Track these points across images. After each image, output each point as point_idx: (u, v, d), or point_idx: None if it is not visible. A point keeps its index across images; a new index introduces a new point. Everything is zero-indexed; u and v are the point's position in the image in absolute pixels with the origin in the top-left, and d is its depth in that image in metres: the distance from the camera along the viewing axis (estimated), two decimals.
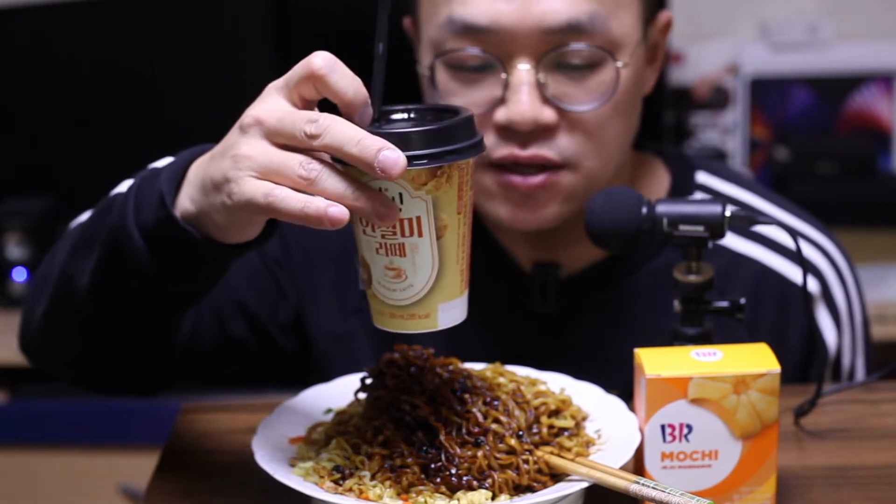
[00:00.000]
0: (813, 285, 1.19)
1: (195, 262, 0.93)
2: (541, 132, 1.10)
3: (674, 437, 0.91)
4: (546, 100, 1.09)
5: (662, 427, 0.91)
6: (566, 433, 0.96)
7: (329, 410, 1.02)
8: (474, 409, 0.93)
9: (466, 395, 0.94)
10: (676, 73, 2.61)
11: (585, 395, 1.01)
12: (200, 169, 0.90)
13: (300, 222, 0.83)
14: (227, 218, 0.87)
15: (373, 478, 0.91)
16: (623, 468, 0.90)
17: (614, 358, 1.18)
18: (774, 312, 1.19)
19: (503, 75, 1.09)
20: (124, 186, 1.03)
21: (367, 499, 0.89)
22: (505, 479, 0.90)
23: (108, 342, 1.07)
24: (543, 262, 1.19)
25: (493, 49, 1.09)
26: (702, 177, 1.26)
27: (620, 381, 1.04)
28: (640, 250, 1.19)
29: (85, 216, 1.14)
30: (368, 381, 0.99)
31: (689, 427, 0.91)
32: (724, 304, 1.05)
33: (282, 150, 0.84)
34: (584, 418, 0.99)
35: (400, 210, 0.83)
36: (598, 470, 0.90)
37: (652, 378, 0.90)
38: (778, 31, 2.61)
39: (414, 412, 0.93)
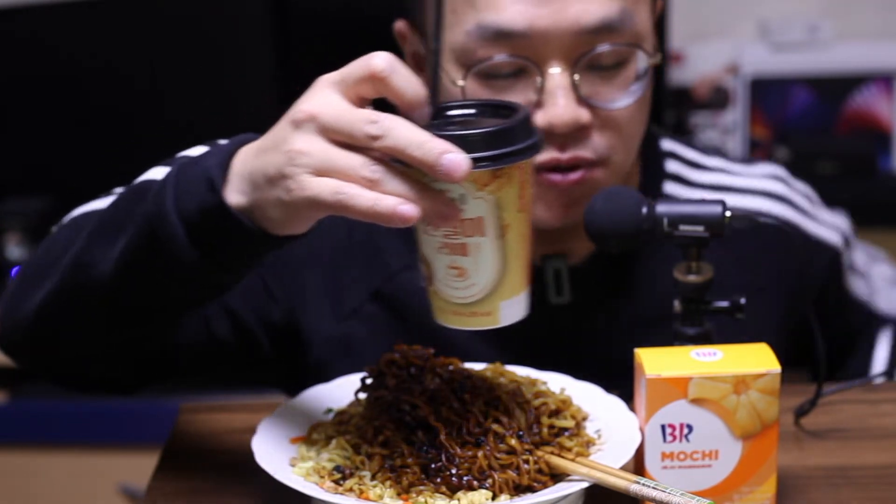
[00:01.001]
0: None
1: (238, 252, 0.91)
2: (577, 133, 1.10)
3: (674, 437, 0.91)
4: (581, 100, 1.09)
5: (662, 427, 0.91)
6: (566, 433, 0.96)
7: (329, 410, 1.02)
8: (474, 409, 0.93)
9: (466, 396, 0.94)
10: (676, 73, 2.61)
11: (586, 395, 1.01)
12: (248, 162, 0.88)
13: (369, 220, 0.83)
14: (283, 213, 0.86)
15: (373, 478, 0.91)
16: (623, 468, 0.90)
17: (637, 342, 1.19)
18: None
19: (538, 79, 1.09)
20: (154, 174, 1.01)
21: (367, 499, 0.89)
22: (505, 479, 0.90)
23: (116, 335, 1.05)
24: (550, 254, 1.19)
25: (526, 53, 1.08)
26: (667, 144, 1.28)
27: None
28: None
29: (95, 204, 1.11)
30: (368, 381, 0.99)
31: (690, 427, 0.91)
32: (725, 303, 1.05)
33: (340, 147, 0.83)
34: (585, 418, 0.99)
35: (462, 211, 0.84)
36: (598, 470, 0.90)
37: (652, 378, 0.90)
38: (778, 31, 2.61)
39: (414, 412, 0.93)
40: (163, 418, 1.37)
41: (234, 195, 0.88)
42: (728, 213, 1.02)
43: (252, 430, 0.96)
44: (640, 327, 1.19)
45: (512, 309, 0.88)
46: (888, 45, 2.64)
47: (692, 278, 1.04)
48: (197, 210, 0.89)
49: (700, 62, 2.64)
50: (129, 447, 2.30)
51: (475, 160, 0.82)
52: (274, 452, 0.94)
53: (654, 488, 0.86)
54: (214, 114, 2.49)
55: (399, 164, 0.83)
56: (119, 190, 1.09)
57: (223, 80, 2.49)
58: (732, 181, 1.25)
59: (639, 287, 1.20)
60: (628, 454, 0.91)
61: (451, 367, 0.98)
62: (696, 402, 0.90)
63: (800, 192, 1.28)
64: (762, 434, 0.91)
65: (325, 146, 0.83)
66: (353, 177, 0.82)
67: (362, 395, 0.99)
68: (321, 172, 0.83)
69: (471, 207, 0.84)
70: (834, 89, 2.59)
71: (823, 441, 1.06)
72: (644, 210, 1.03)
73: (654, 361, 0.91)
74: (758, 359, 0.92)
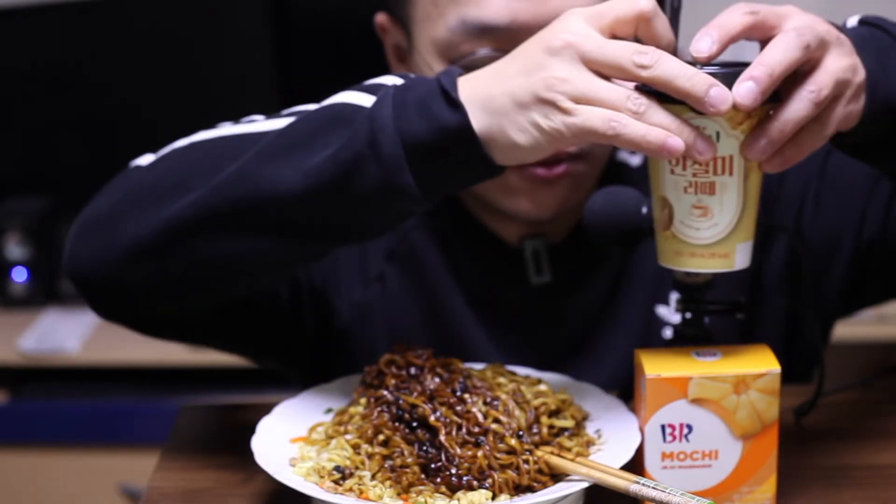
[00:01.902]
0: None
1: (449, 179, 0.91)
2: None
3: (674, 437, 0.91)
4: None
5: (662, 427, 0.91)
6: (566, 433, 0.96)
7: (329, 410, 1.02)
8: (474, 409, 0.93)
9: (466, 395, 0.95)
10: None
11: (585, 395, 1.02)
12: (487, 87, 0.88)
13: (638, 150, 0.84)
14: (530, 139, 0.87)
15: (373, 478, 0.91)
16: (623, 468, 0.90)
17: (616, 320, 1.19)
18: None
19: None
20: (344, 99, 0.94)
21: (367, 499, 0.89)
22: (505, 479, 0.90)
23: (274, 254, 0.98)
24: (529, 234, 1.20)
25: (509, 47, 1.08)
26: None
27: (624, 344, 1.03)
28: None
29: (220, 131, 1.02)
30: (369, 380, 0.99)
31: (690, 427, 0.91)
32: (725, 303, 1.05)
33: (601, 78, 0.85)
34: (585, 418, 0.99)
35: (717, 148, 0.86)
36: (598, 470, 0.90)
37: (652, 378, 0.90)
38: None
39: (414, 412, 0.94)
40: (163, 418, 1.37)
41: (474, 118, 0.87)
42: None
43: (252, 430, 0.96)
44: (620, 304, 1.20)
45: (744, 254, 0.90)
46: None
47: (692, 278, 1.04)
48: (425, 126, 0.88)
49: None
50: (129, 447, 2.30)
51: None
52: (274, 452, 0.94)
53: (653, 488, 0.86)
54: (215, 114, 2.48)
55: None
56: (255, 118, 1.03)
57: (223, 81, 2.49)
58: None
59: (617, 263, 1.21)
60: (628, 454, 0.91)
61: (451, 367, 0.98)
62: (696, 402, 0.90)
63: None
64: (762, 434, 0.91)
65: (588, 75, 0.84)
66: (619, 107, 0.84)
67: (362, 395, 0.99)
68: (582, 101, 0.84)
69: (724, 145, 0.86)
70: None
71: (823, 441, 1.06)
72: (644, 210, 1.03)
73: (654, 362, 0.91)
74: (758, 359, 0.92)
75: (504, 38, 1.08)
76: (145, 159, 1.07)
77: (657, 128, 0.84)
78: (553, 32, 0.86)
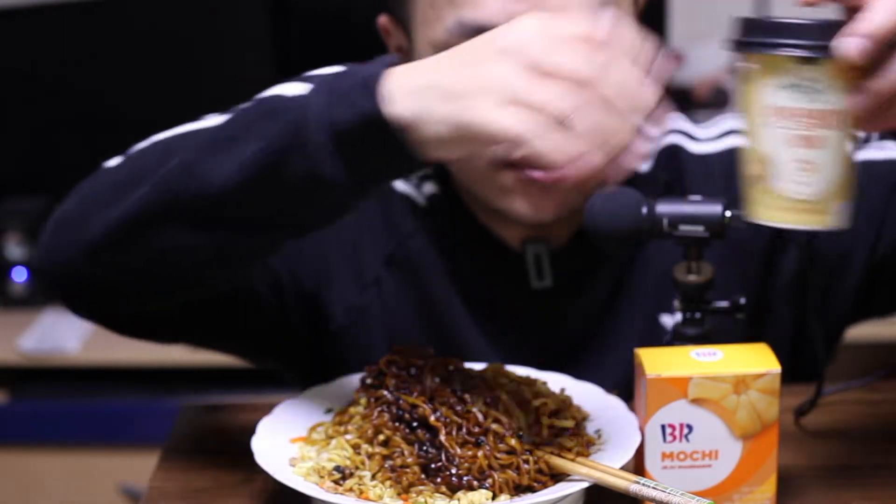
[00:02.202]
0: None
1: (380, 170, 0.91)
2: None
3: (674, 437, 0.91)
4: None
5: (663, 427, 0.91)
6: (566, 433, 0.96)
7: (330, 410, 1.02)
8: (474, 409, 0.93)
9: (466, 395, 0.94)
10: (676, 73, 2.61)
11: (586, 396, 1.01)
12: (421, 75, 0.87)
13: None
14: (448, 132, 0.86)
15: (373, 478, 0.91)
16: (623, 468, 0.90)
17: (617, 327, 1.19)
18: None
19: None
20: (279, 91, 0.95)
21: (367, 499, 0.89)
22: (505, 479, 0.90)
23: (212, 249, 0.99)
24: (531, 238, 1.20)
25: None
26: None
27: (624, 351, 1.02)
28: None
29: (182, 128, 1.05)
30: (368, 381, 0.99)
31: (690, 427, 0.91)
32: (725, 304, 1.05)
33: (540, 79, 0.83)
34: (585, 418, 0.99)
35: (821, 101, 0.85)
36: (598, 470, 0.90)
37: (652, 378, 0.90)
38: None
39: (414, 412, 0.94)
40: (163, 418, 1.37)
41: (397, 106, 0.87)
42: (728, 213, 1.02)
43: (252, 430, 0.96)
44: (621, 310, 1.20)
45: (842, 214, 0.89)
46: None
47: (692, 278, 1.04)
48: (349, 114, 0.87)
49: (700, 62, 2.64)
50: (129, 447, 2.30)
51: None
52: (274, 452, 0.94)
53: (654, 488, 0.86)
54: (215, 114, 2.49)
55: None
56: (210, 116, 1.05)
57: (223, 81, 2.49)
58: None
59: (619, 269, 1.21)
60: (628, 454, 0.91)
61: (451, 368, 0.98)
62: (696, 402, 0.90)
63: None
64: (762, 434, 0.91)
65: (526, 78, 0.83)
66: (548, 113, 0.82)
67: (362, 395, 0.99)
68: (517, 104, 0.83)
69: (830, 99, 0.85)
70: None
71: (823, 441, 1.06)
72: (644, 210, 1.03)
73: (654, 361, 0.91)
74: (758, 359, 0.92)
75: None
76: (115, 160, 1.08)
77: (575, 144, 0.82)
78: (503, 32, 0.86)
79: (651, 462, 0.92)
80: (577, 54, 0.83)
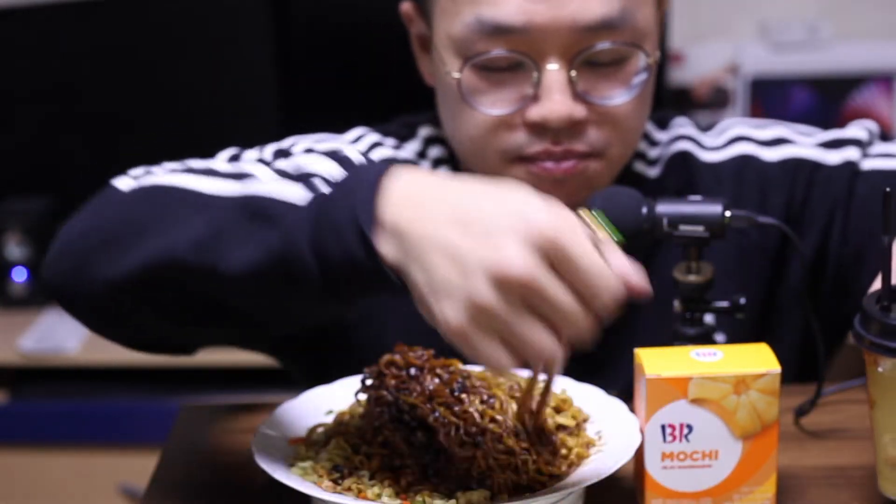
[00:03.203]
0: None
1: (373, 295, 0.87)
2: (572, 127, 1.10)
3: (674, 437, 0.91)
4: (577, 96, 1.09)
5: (663, 427, 0.91)
6: (566, 431, 0.96)
7: (330, 412, 1.02)
8: (471, 409, 0.93)
9: (465, 396, 0.94)
10: (676, 73, 2.61)
11: (586, 397, 1.01)
12: (414, 224, 0.80)
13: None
14: (419, 293, 0.81)
15: (372, 477, 0.91)
16: (623, 469, 0.90)
17: (621, 330, 1.19)
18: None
19: (534, 74, 1.09)
20: (277, 191, 0.87)
21: (365, 498, 0.89)
22: (504, 479, 0.90)
23: (216, 321, 0.98)
24: None
25: (524, 48, 1.08)
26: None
27: (628, 351, 1.02)
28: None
29: (183, 180, 0.96)
30: (368, 381, 0.99)
31: (690, 427, 0.91)
32: (725, 304, 1.05)
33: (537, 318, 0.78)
34: (585, 420, 0.99)
35: None
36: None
37: (652, 378, 0.90)
38: (778, 31, 2.61)
39: (413, 413, 0.93)
40: (163, 418, 1.37)
41: (385, 247, 0.81)
42: (728, 214, 1.02)
43: (252, 430, 0.96)
44: (625, 314, 1.20)
45: None
46: (888, 45, 2.63)
47: (692, 278, 1.04)
48: (341, 260, 0.82)
49: (700, 62, 2.64)
50: (129, 447, 2.30)
51: None
52: (274, 452, 0.94)
53: None
54: (215, 114, 2.49)
55: None
56: (219, 163, 1.01)
57: (223, 81, 2.49)
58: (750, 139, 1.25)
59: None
60: (628, 455, 0.91)
61: (450, 369, 0.98)
62: (696, 402, 0.90)
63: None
64: (762, 434, 0.91)
65: (560, 288, 0.77)
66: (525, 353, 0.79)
67: (362, 396, 0.99)
68: (496, 333, 0.78)
69: None
70: (834, 89, 2.59)
71: (823, 441, 1.06)
72: (644, 210, 1.03)
73: (654, 361, 0.91)
74: (758, 359, 0.92)
75: (519, 40, 1.08)
76: (125, 182, 1.03)
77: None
78: (506, 246, 0.76)
79: (651, 462, 0.92)
80: (577, 313, 0.79)
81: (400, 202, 0.81)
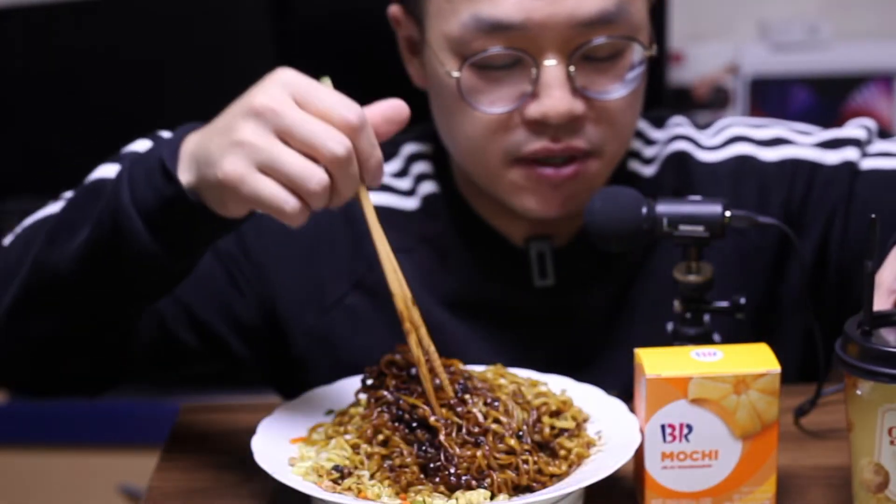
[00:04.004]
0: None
1: (191, 234, 0.96)
2: (571, 123, 1.10)
3: (674, 437, 0.91)
4: (576, 91, 1.09)
5: (663, 427, 0.91)
6: (566, 433, 0.96)
7: (331, 412, 1.02)
8: (474, 410, 0.93)
9: (467, 396, 0.94)
10: (676, 73, 2.61)
11: (586, 397, 1.01)
12: (195, 142, 0.94)
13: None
14: (218, 195, 0.92)
15: (372, 477, 0.91)
16: (623, 469, 0.90)
17: (619, 329, 1.19)
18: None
19: (533, 70, 1.09)
20: (105, 172, 1.07)
21: (365, 498, 0.89)
22: (504, 478, 0.90)
23: (82, 328, 1.07)
24: (534, 236, 1.19)
25: (522, 45, 1.08)
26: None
27: (626, 350, 1.03)
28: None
29: (47, 210, 1.15)
30: (368, 381, 0.99)
31: (690, 427, 0.91)
32: (725, 304, 1.05)
33: (289, 148, 0.89)
34: (585, 420, 0.99)
35: None
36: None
37: (652, 378, 0.90)
38: (778, 31, 2.61)
39: (414, 412, 0.93)
40: (163, 418, 1.37)
41: (184, 174, 0.94)
42: (728, 214, 1.02)
43: (252, 430, 0.96)
44: (623, 313, 1.20)
45: None
46: (888, 45, 2.63)
47: (692, 278, 1.04)
48: (152, 196, 0.94)
49: (700, 62, 2.64)
50: (129, 447, 2.30)
51: None
52: (274, 452, 0.94)
53: None
54: (215, 114, 2.49)
55: None
56: (69, 193, 1.13)
57: (223, 80, 2.48)
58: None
59: (622, 266, 1.21)
60: (628, 455, 0.91)
61: (452, 369, 0.98)
62: (696, 402, 0.90)
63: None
64: (762, 434, 0.91)
65: (277, 145, 0.89)
66: (298, 185, 0.89)
67: (362, 396, 0.99)
68: (265, 170, 0.89)
69: None
70: (834, 89, 2.59)
71: (823, 441, 1.06)
72: (644, 210, 1.03)
73: (654, 361, 0.91)
74: (758, 359, 0.92)
75: (517, 37, 1.08)
76: (8, 238, 1.17)
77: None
78: (256, 93, 0.91)
79: (651, 462, 0.92)
80: (329, 132, 0.89)
81: (188, 143, 0.95)
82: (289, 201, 0.89)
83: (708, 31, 2.68)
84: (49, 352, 1.10)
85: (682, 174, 1.22)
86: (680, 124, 1.26)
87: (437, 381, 0.96)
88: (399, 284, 0.95)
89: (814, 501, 0.96)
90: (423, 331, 0.95)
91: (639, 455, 0.93)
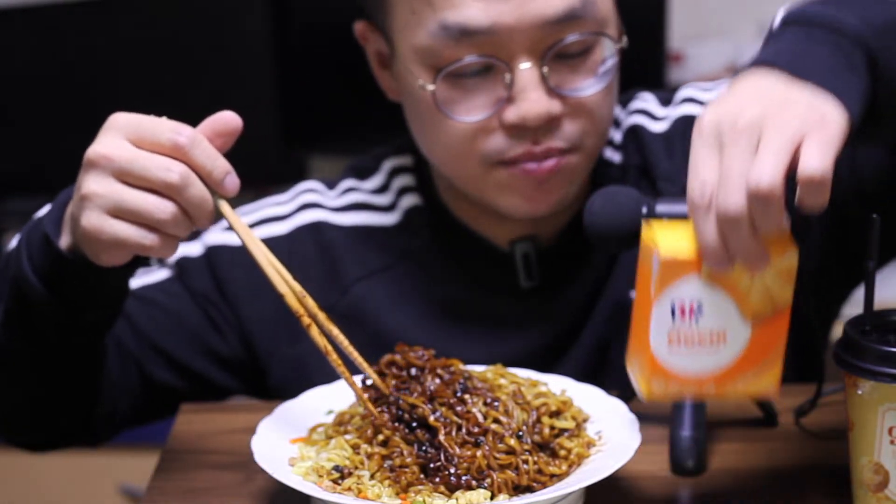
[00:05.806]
0: None
1: (89, 289, 1.00)
2: (549, 124, 1.10)
3: (683, 316, 0.87)
4: (551, 91, 1.09)
5: (672, 306, 0.87)
6: (566, 434, 0.96)
7: (330, 412, 1.02)
8: (474, 410, 0.93)
9: (466, 396, 0.94)
10: (676, 73, 2.61)
11: (586, 397, 1.01)
12: (69, 204, 0.99)
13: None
14: (89, 248, 0.96)
15: (372, 477, 0.91)
16: (623, 469, 0.90)
17: (609, 319, 1.19)
18: None
19: (507, 75, 1.09)
20: (14, 241, 1.10)
21: (365, 498, 0.89)
22: (504, 478, 0.90)
23: (33, 394, 1.11)
24: (519, 238, 1.19)
25: (493, 51, 1.08)
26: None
27: (617, 346, 1.02)
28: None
29: None
30: (369, 381, 0.99)
31: (700, 306, 0.87)
32: None
33: (132, 188, 0.94)
34: (585, 420, 0.99)
35: None
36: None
37: (666, 258, 0.86)
38: None
39: (414, 412, 0.94)
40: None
41: (64, 237, 0.99)
42: None
43: (252, 430, 0.96)
44: (611, 305, 1.20)
45: None
46: None
47: None
48: (44, 259, 0.99)
49: (700, 62, 2.64)
50: (129, 447, 2.30)
51: None
52: (274, 452, 0.94)
53: None
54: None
55: None
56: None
57: (223, 81, 2.49)
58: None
59: (608, 264, 1.21)
60: (628, 455, 0.91)
61: (451, 369, 0.98)
62: (710, 280, 0.86)
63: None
64: (773, 318, 0.88)
65: (119, 187, 0.94)
66: (149, 217, 0.93)
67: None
68: (117, 213, 0.93)
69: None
70: None
71: (823, 441, 1.06)
72: (644, 210, 1.02)
73: (666, 235, 0.87)
74: (774, 240, 0.86)
75: (486, 43, 1.07)
76: None
77: (174, 241, 0.95)
78: (92, 145, 0.96)
79: (657, 345, 0.87)
80: (159, 161, 0.94)
81: (72, 204, 0.98)
82: (147, 237, 0.94)
83: (708, 31, 2.68)
84: (23, 416, 1.14)
85: (639, 148, 1.22)
86: (643, 100, 1.25)
87: (437, 380, 0.96)
88: (284, 282, 0.97)
89: (814, 501, 0.96)
90: (322, 317, 0.97)
91: (643, 335, 0.88)
